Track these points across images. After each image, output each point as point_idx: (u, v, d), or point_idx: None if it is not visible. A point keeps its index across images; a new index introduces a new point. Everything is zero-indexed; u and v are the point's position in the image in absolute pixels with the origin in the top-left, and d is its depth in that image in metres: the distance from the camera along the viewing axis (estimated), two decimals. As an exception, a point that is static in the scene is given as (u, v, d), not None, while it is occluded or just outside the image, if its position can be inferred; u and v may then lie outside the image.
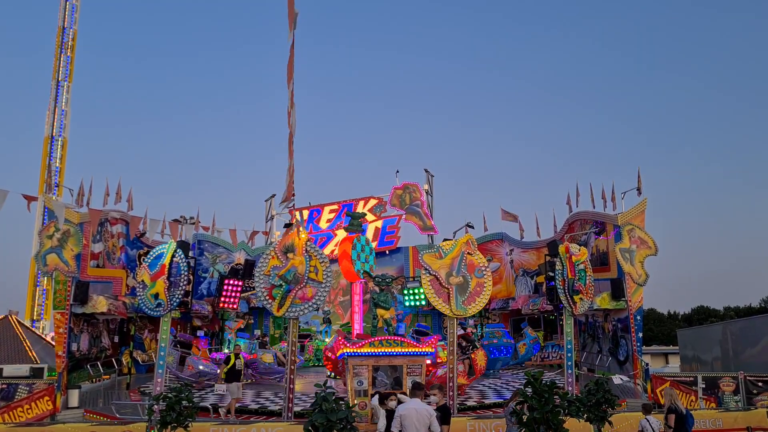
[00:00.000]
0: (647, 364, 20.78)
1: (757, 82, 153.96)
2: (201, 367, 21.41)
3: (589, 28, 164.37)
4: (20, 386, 18.81)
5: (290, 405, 14.98)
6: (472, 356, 19.89)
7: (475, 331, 25.32)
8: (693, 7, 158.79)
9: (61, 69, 53.51)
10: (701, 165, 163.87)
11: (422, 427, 8.61)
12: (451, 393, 15.74)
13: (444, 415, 9.83)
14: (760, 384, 20.21)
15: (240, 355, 18.16)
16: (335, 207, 30.96)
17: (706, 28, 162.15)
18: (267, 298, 15.32)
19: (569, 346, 17.39)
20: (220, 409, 16.49)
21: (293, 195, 15.03)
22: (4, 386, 19.32)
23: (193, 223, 25.93)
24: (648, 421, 11.64)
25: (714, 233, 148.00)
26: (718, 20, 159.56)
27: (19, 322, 35.94)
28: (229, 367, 17.42)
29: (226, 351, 23.07)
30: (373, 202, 30.27)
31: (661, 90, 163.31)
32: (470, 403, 17.69)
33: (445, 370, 16.66)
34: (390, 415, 9.70)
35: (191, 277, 18.12)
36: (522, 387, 9.29)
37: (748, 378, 20.25)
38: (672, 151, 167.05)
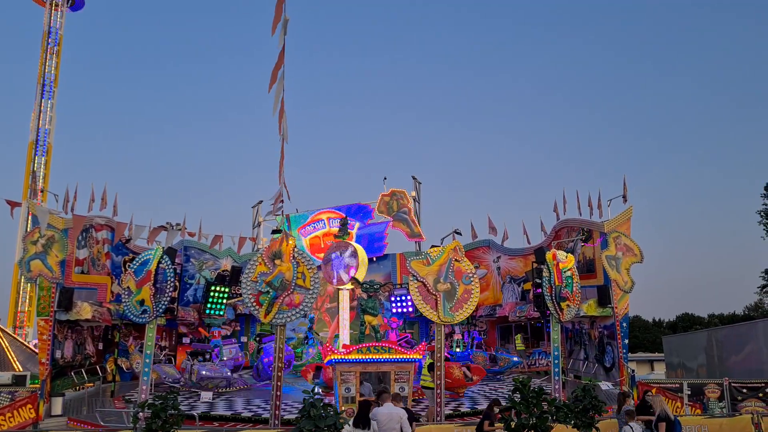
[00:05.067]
0: (633, 371, 20.88)
1: (745, 90, 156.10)
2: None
3: (577, 35, 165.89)
4: (2, 394, 18.54)
5: (277, 412, 14.90)
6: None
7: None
8: (682, 12, 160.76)
9: (46, 73, 53.08)
10: (686, 173, 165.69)
11: (393, 427, 9.97)
12: (438, 400, 15.74)
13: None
14: (744, 390, 20.37)
15: None
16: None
17: (695, 32, 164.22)
18: (254, 304, 15.27)
19: (556, 353, 17.46)
20: None
21: (282, 201, 14.98)
22: (-15, 394, 19.05)
23: (180, 230, 25.80)
24: (631, 427, 11.68)
25: (698, 241, 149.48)
26: (707, 25, 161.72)
27: (1, 329, 35.46)
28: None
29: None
30: None
31: (648, 96, 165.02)
32: (463, 409, 17.82)
33: None
34: None
35: (177, 284, 18.02)
36: (510, 393, 9.33)
37: (732, 384, 20.41)
38: (656, 159, 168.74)
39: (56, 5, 54.21)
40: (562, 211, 23.41)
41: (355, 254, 20.52)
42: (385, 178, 30.05)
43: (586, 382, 16.76)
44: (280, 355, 15.46)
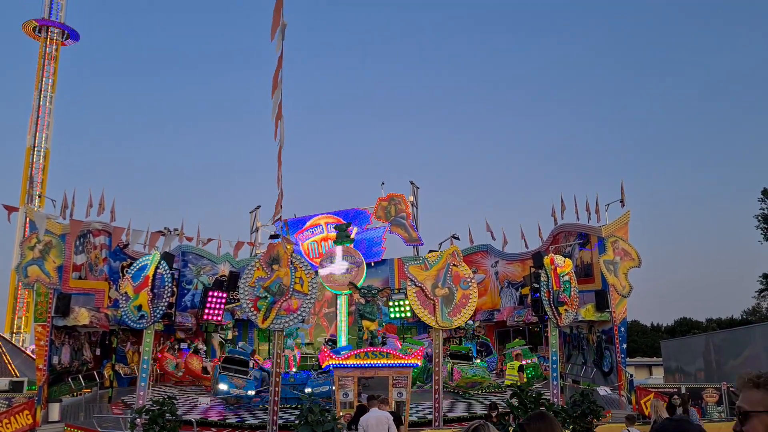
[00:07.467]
0: (631, 376, 20.85)
1: (742, 95, 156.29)
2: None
3: (574, 41, 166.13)
4: (-1, 400, 18.49)
5: (274, 417, 14.86)
6: None
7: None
8: (679, 17, 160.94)
9: (44, 79, 53.05)
10: (684, 177, 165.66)
11: (383, 430, 10.42)
12: (437, 405, 15.72)
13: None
14: (742, 395, 20.33)
15: None
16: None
17: (692, 37, 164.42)
18: (252, 309, 15.24)
19: (554, 358, 17.44)
20: None
21: (281, 207, 14.97)
22: (-18, 400, 18.98)
23: (178, 235, 25.76)
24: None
25: (696, 245, 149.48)
26: (704, 30, 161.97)
27: (-2, 335, 35.33)
28: None
29: None
30: None
31: (646, 101, 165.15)
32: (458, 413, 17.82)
33: None
34: None
35: (175, 289, 17.98)
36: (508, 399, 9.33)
37: (731, 389, 20.37)
38: (654, 163, 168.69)
39: (51, 40, 54.17)
40: (560, 216, 23.45)
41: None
42: (383, 183, 30.11)
43: (585, 387, 16.79)
44: (279, 360, 15.43)
